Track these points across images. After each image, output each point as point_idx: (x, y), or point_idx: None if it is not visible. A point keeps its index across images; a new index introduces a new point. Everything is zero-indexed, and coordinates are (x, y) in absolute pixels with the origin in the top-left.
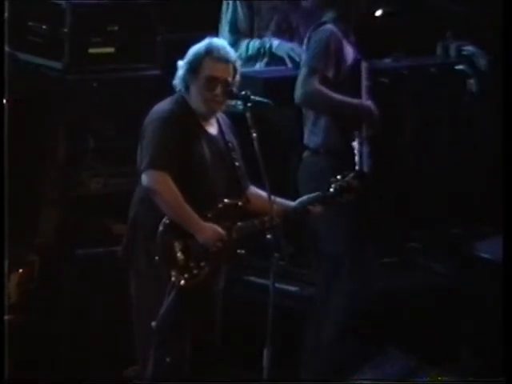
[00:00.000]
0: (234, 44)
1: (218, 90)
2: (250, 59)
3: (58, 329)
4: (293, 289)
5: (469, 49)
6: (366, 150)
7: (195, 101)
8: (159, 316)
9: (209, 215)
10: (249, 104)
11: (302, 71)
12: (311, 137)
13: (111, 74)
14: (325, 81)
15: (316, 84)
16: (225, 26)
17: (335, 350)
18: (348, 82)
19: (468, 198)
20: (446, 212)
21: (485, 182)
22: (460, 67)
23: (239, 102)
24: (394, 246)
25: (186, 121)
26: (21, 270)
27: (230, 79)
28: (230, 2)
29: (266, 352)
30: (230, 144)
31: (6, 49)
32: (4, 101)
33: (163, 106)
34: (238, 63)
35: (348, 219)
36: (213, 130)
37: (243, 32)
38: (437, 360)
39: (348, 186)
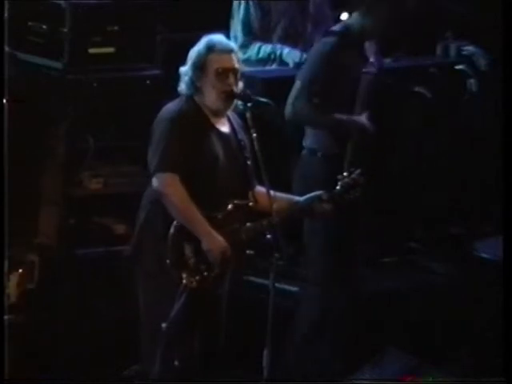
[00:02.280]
0: (246, 46)
1: (231, 79)
2: (259, 62)
3: (58, 329)
4: (293, 289)
5: (469, 49)
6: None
7: (209, 97)
8: (170, 318)
9: (219, 216)
10: (249, 104)
11: (296, 85)
12: (307, 139)
13: (111, 73)
14: (319, 95)
15: (305, 104)
16: (237, 26)
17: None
18: (347, 92)
19: (468, 197)
20: (446, 212)
21: (485, 182)
22: (460, 67)
23: (239, 102)
24: (394, 246)
25: (196, 120)
26: (21, 270)
27: (237, 66)
28: (242, 2)
29: (266, 352)
30: (242, 142)
31: (6, 49)
32: (4, 101)
33: (172, 106)
34: (238, 54)
35: (327, 234)
36: (225, 128)
37: (256, 32)
38: (437, 360)
39: (354, 182)
